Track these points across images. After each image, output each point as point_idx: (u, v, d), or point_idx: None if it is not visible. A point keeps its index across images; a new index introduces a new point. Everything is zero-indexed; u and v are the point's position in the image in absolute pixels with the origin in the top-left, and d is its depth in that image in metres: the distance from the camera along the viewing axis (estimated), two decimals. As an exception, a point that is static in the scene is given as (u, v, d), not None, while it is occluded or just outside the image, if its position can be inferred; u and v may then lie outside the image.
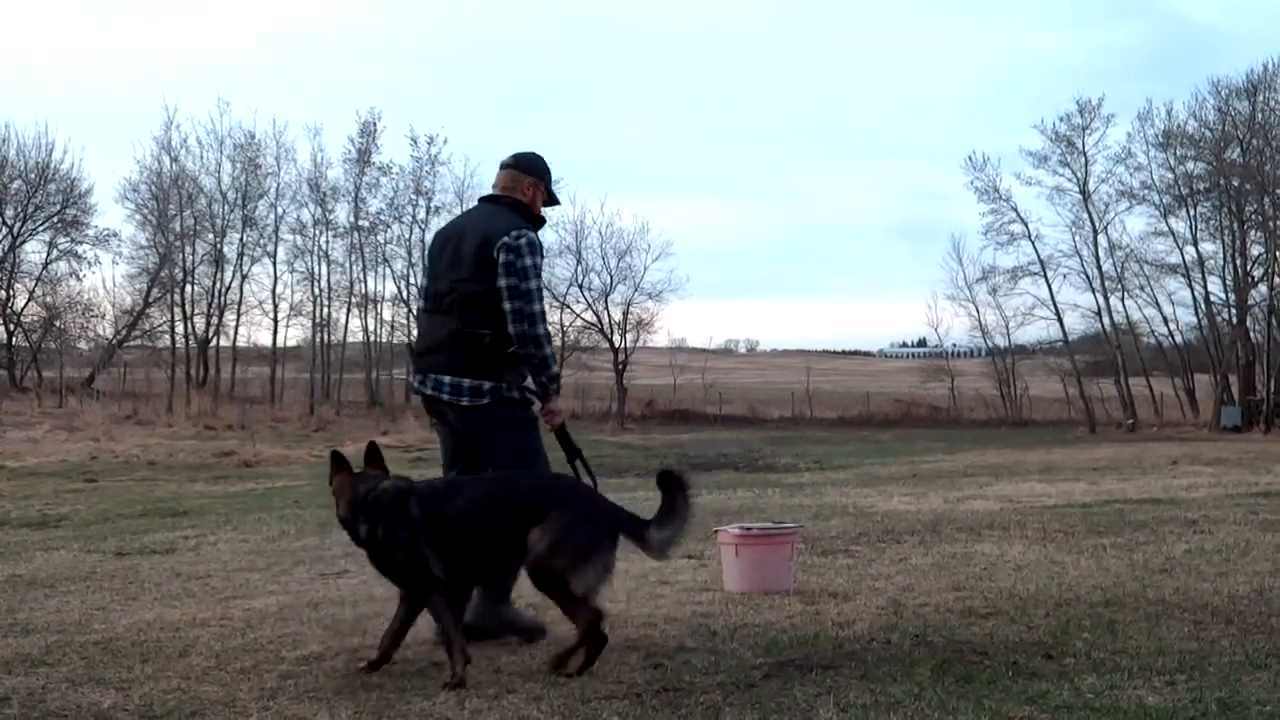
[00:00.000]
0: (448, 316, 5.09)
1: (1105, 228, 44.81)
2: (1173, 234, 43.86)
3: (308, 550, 9.01)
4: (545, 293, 5.28)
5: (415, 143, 46.49)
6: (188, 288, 45.86)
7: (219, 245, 45.87)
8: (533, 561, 4.39)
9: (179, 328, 46.03)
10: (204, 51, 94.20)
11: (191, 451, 26.27)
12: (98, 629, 5.67)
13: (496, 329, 5.01)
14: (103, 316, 47.83)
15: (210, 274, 46.12)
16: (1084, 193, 44.50)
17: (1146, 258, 44.91)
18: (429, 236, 45.87)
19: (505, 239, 5.02)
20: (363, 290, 47.74)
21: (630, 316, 47.31)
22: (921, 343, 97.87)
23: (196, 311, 46.07)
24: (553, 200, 5.48)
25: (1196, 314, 44.45)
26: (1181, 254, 43.67)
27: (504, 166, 5.44)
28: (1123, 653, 4.57)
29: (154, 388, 44.03)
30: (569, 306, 45.34)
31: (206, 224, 45.84)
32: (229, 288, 46.38)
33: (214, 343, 46.58)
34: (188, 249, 45.67)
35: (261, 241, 46.73)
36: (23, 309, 47.07)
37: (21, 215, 46.03)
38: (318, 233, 46.97)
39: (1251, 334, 42.38)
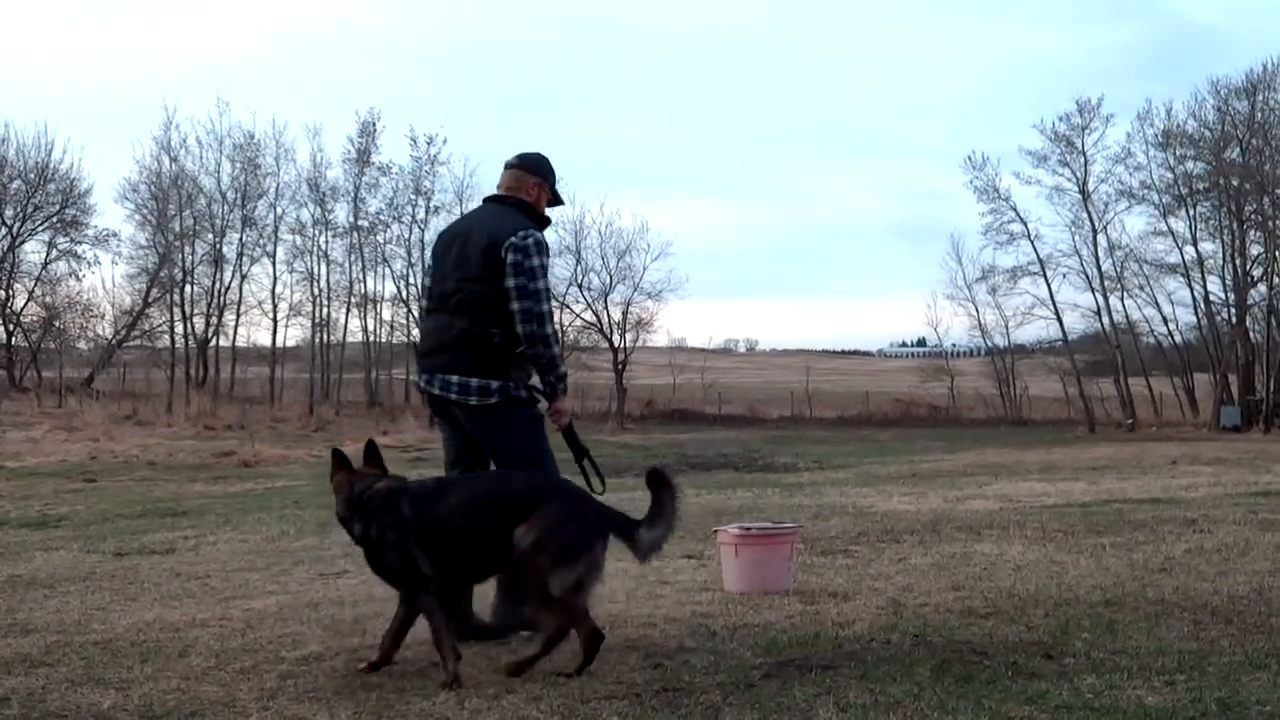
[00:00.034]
0: (455, 316, 5.09)
1: (1105, 227, 44.87)
2: (1172, 234, 43.91)
3: (307, 550, 9.01)
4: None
5: (415, 143, 46.60)
6: (187, 288, 45.91)
7: (218, 245, 45.90)
8: (517, 558, 4.38)
9: (178, 328, 46.10)
10: (204, 51, 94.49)
11: (191, 452, 26.26)
12: (97, 629, 5.67)
13: (505, 328, 5.03)
14: (102, 316, 47.90)
15: (210, 274, 46.18)
16: (1083, 192, 44.53)
17: (1146, 257, 44.99)
18: (428, 236, 46.40)
19: (513, 239, 5.04)
20: (362, 290, 47.82)
21: (630, 316, 47.35)
22: (921, 342, 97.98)
23: (196, 311, 46.12)
24: (557, 200, 5.49)
25: (1196, 314, 44.51)
26: (1181, 254, 43.75)
27: (508, 167, 5.45)
28: (1122, 652, 4.57)
29: (153, 388, 44.03)
30: (568, 306, 45.34)
31: (206, 224, 45.88)
32: (228, 288, 46.46)
33: (213, 343, 46.64)
34: (187, 249, 45.70)
35: (261, 241, 46.80)
36: (22, 309, 47.12)
37: (21, 215, 46.05)
38: (317, 233, 47.04)
39: (1251, 334, 42.40)
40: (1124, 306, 45.65)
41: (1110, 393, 45.42)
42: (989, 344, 50.98)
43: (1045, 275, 45.88)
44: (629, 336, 47.51)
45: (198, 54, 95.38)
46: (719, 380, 56.93)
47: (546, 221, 5.39)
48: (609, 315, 46.84)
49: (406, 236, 47.14)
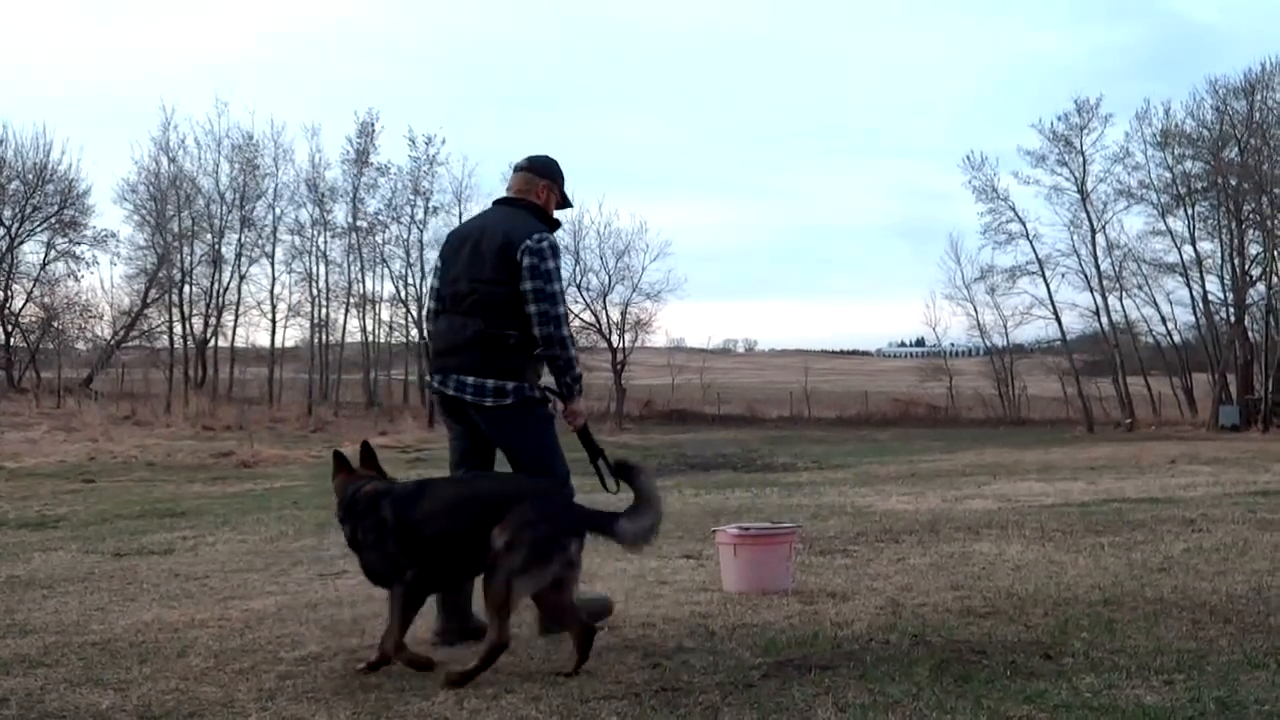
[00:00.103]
0: (469, 317, 5.10)
1: (1103, 227, 44.91)
2: (1171, 233, 43.94)
3: (306, 551, 9.01)
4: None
5: (413, 143, 46.56)
6: (186, 288, 45.89)
7: (217, 246, 45.89)
8: (490, 560, 4.38)
9: (177, 328, 46.08)
10: (203, 52, 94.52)
11: (190, 452, 26.26)
12: (96, 630, 5.67)
13: (521, 330, 5.06)
14: (101, 317, 47.92)
15: (208, 274, 46.16)
16: (1082, 192, 44.58)
17: (1144, 257, 45.03)
18: (427, 237, 46.44)
19: (528, 242, 5.06)
20: (361, 291, 47.80)
21: (628, 316, 47.38)
22: (920, 342, 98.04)
23: (194, 312, 46.10)
24: (566, 203, 5.52)
25: (1194, 313, 44.54)
26: (1179, 253, 43.78)
27: (518, 169, 5.48)
28: (1121, 652, 4.57)
29: (152, 388, 44.02)
30: (567, 306, 45.34)
31: (204, 224, 45.87)
32: (227, 288, 46.43)
33: (212, 343, 46.61)
34: (186, 249, 45.68)
35: (260, 242, 46.77)
36: (21, 310, 47.13)
37: (19, 216, 46.06)
38: (316, 233, 47.02)
39: (1249, 333, 42.43)
40: (1122, 306, 45.74)
41: (1109, 392, 45.45)
42: (988, 344, 51.02)
43: (1044, 275, 45.97)
44: (628, 337, 47.57)
45: (197, 54, 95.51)
46: (718, 380, 56.95)
47: (557, 224, 5.43)
48: (608, 315, 46.92)
49: (405, 237, 47.16)
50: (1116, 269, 45.04)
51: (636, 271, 47.21)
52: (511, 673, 4.42)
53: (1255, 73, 41.53)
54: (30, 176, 45.72)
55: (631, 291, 47.23)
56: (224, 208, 45.84)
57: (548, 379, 5.24)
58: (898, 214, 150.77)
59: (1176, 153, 43.61)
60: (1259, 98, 41.41)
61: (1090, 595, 5.88)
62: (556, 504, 4.58)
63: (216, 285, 46.12)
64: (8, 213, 45.87)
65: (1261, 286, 41.80)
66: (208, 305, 46.13)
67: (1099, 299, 44.86)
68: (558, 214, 5.48)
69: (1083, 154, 44.60)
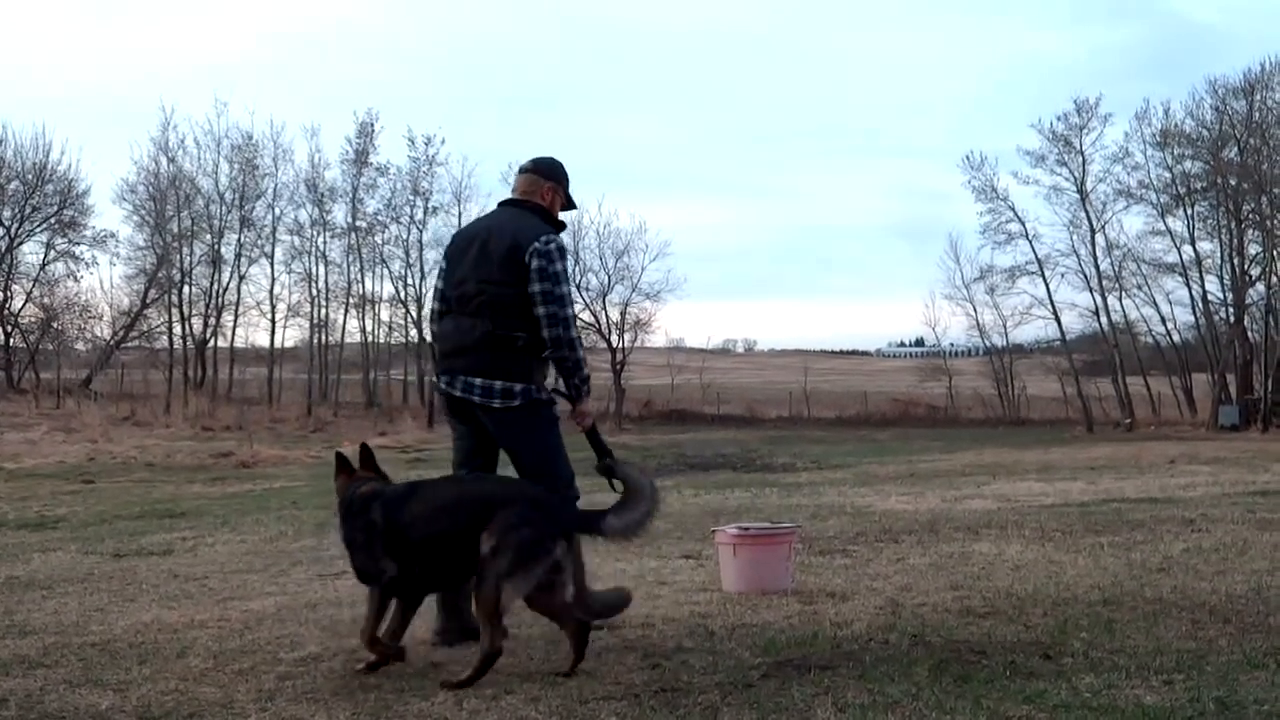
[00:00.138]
0: (477, 319, 5.12)
1: (1103, 227, 44.91)
2: (1170, 233, 43.93)
3: (305, 551, 9.01)
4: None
5: (413, 143, 46.57)
6: (185, 289, 45.90)
7: (216, 246, 45.92)
8: (479, 566, 4.38)
9: (176, 329, 46.10)
10: (202, 52, 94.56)
11: (189, 452, 26.26)
12: (95, 630, 5.67)
13: (529, 331, 5.08)
14: (100, 317, 47.96)
15: (208, 275, 46.19)
16: (1081, 192, 44.58)
17: (1144, 257, 45.03)
18: (427, 237, 46.46)
19: (536, 244, 5.08)
20: (360, 291, 47.80)
21: (628, 316, 47.41)
22: (919, 342, 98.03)
23: (194, 312, 46.11)
24: (570, 205, 5.54)
25: (1194, 313, 44.54)
26: (1179, 253, 43.78)
27: (523, 171, 5.49)
28: (1120, 652, 4.57)
29: (152, 389, 44.02)
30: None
31: (204, 225, 45.88)
32: (226, 289, 46.45)
33: (212, 344, 46.63)
34: (185, 250, 45.69)
35: (259, 242, 46.78)
36: (20, 310, 47.16)
37: (19, 216, 46.09)
38: (315, 233, 47.04)
39: (1249, 333, 42.43)
40: (1122, 306, 45.73)
41: (1108, 392, 45.45)
42: (987, 344, 51.01)
43: (1043, 275, 45.96)
44: (627, 337, 47.60)
45: (196, 54, 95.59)
46: (717, 380, 56.95)
47: (562, 226, 5.45)
48: (607, 315, 46.92)
49: (404, 237, 47.17)
50: (1116, 269, 45.09)
51: (636, 271, 47.27)
52: (511, 673, 4.42)
53: (1255, 73, 41.57)
54: (30, 177, 45.78)
55: (631, 291, 47.30)
56: (223, 208, 45.89)
57: (551, 379, 5.26)
58: (898, 214, 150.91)
59: (1176, 153, 43.63)
60: (1258, 98, 41.43)
61: (1090, 595, 5.88)
62: (542, 507, 4.56)
63: (216, 285, 46.18)
64: (7, 213, 45.94)
65: (1261, 286, 41.81)
66: (207, 305, 46.15)
67: (1098, 299, 44.90)
68: (562, 215, 5.50)
69: (1082, 154, 44.63)
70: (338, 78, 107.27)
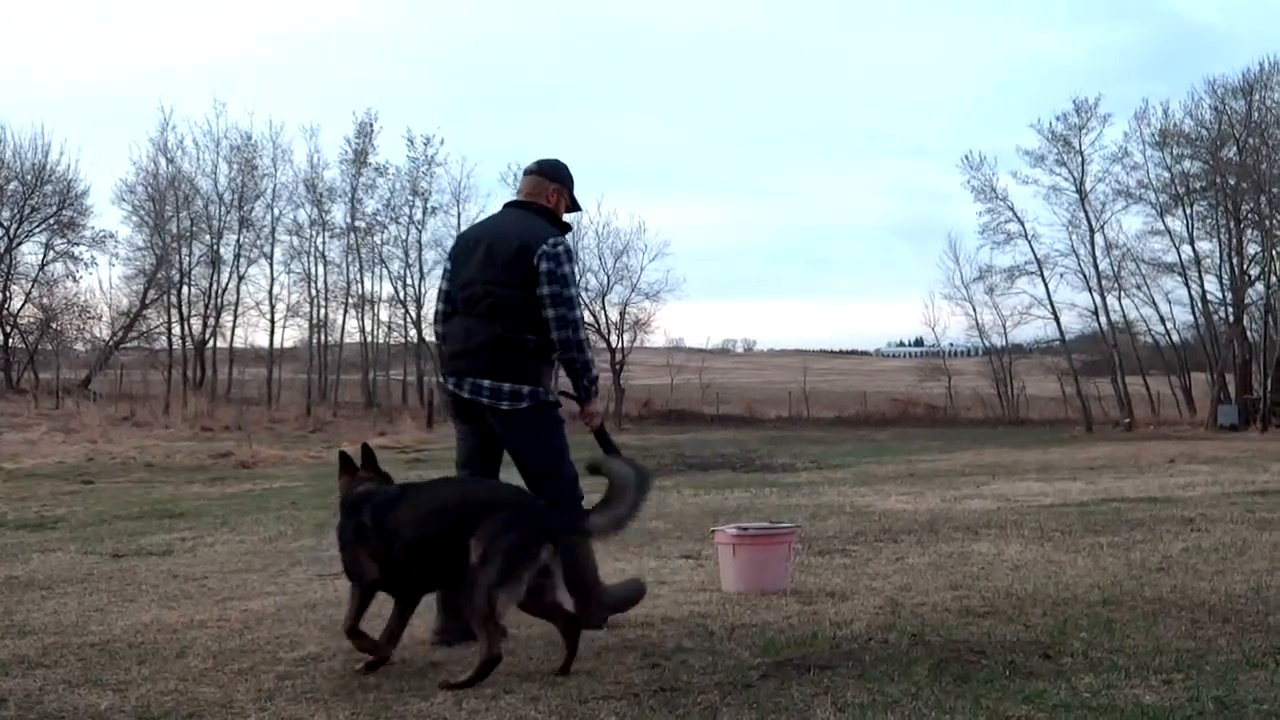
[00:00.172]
0: (484, 320, 5.15)
1: (1102, 227, 44.96)
2: (1169, 233, 43.98)
3: (305, 551, 9.01)
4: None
5: (412, 143, 46.66)
6: (184, 289, 45.94)
7: (215, 246, 45.95)
8: (469, 576, 4.38)
9: (176, 329, 46.14)
10: (202, 52, 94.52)
11: (188, 453, 26.26)
12: (95, 630, 5.67)
13: (538, 334, 5.12)
14: (99, 318, 47.97)
15: (207, 275, 46.22)
16: (1081, 192, 44.61)
17: (1143, 257, 45.09)
18: (426, 237, 46.45)
19: (544, 247, 5.11)
20: (359, 291, 47.84)
21: (627, 317, 47.43)
22: (918, 342, 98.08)
23: (193, 313, 46.14)
24: (575, 206, 5.58)
25: (1193, 313, 44.60)
26: (1178, 253, 43.83)
27: (528, 173, 5.53)
28: (1120, 652, 4.57)
29: (151, 389, 44.02)
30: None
31: (203, 225, 45.89)
32: (225, 289, 46.48)
33: (211, 344, 46.65)
34: (184, 250, 45.71)
35: (258, 243, 46.82)
36: (19, 311, 47.16)
37: (18, 216, 46.09)
38: (314, 234, 47.08)
39: (1248, 333, 42.47)
40: (1121, 306, 45.78)
41: (1107, 392, 45.48)
42: (986, 344, 51.04)
43: (1043, 275, 46.00)
44: (626, 337, 47.63)
45: (195, 55, 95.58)
46: (716, 380, 56.97)
47: (567, 228, 5.48)
48: (606, 315, 46.93)
49: (404, 237, 47.23)
50: (1115, 269, 45.13)
51: (635, 271, 47.33)
52: (510, 673, 4.42)
53: (1254, 73, 41.64)
54: (29, 177, 45.80)
55: (630, 291, 47.35)
56: (222, 208, 45.91)
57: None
58: (897, 214, 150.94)
59: (1175, 152, 43.66)
60: (1257, 97, 41.48)
61: (1089, 595, 5.88)
62: (527, 512, 4.56)
63: (215, 286, 46.21)
64: (6, 213, 45.95)
65: (1260, 286, 41.87)
66: (206, 306, 46.17)
67: (1098, 299, 44.93)
68: (566, 217, 5.52)
69: (1081, 154, 44.68)
70: (337, 78, 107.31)
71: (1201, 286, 43.55)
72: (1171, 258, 44.10)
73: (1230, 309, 42.85)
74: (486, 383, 5.13)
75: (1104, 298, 44.86)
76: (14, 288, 46.88)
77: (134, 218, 46.20)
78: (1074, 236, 45.19)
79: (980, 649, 4.66)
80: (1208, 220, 43.66)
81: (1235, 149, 42.04)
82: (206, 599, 6.68)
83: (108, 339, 47.53)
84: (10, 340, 46.71)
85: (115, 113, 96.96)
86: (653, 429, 41.10)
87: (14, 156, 45.54)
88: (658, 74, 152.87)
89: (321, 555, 8.37)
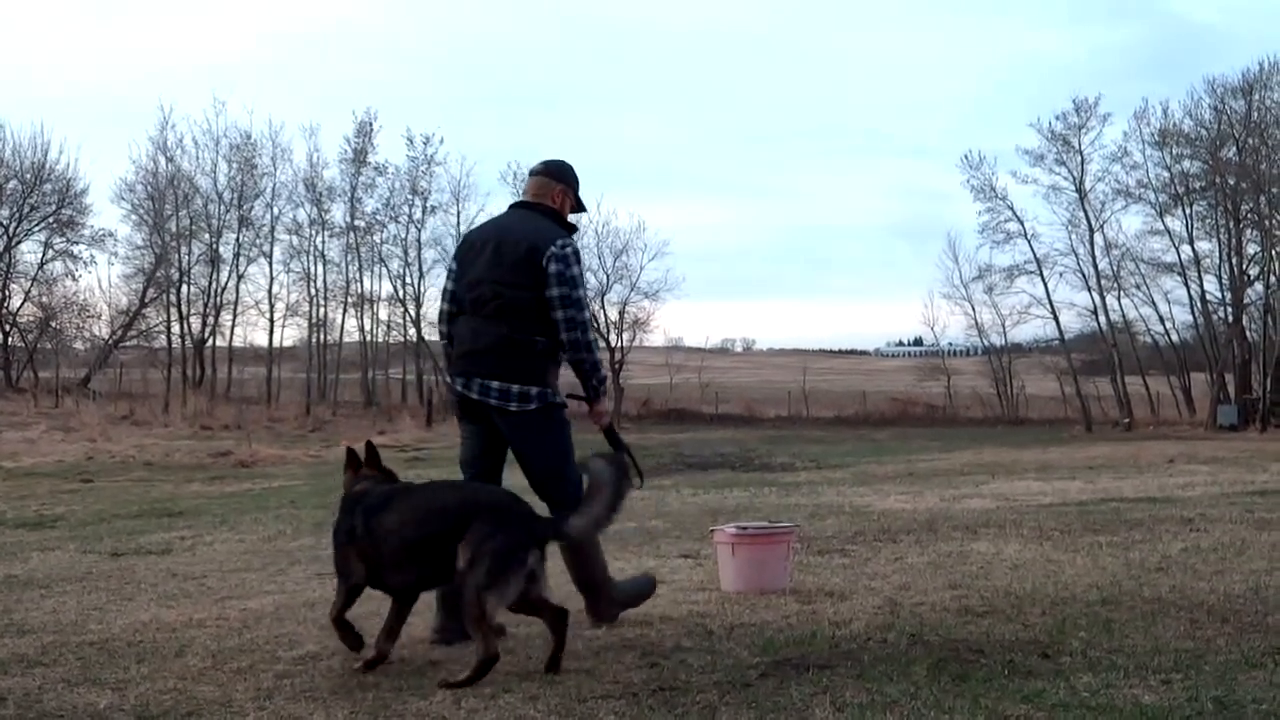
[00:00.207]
0: (492, 322, 5.17)
1: (1101, 226, 44.96)
2: (1169, 233, 43.99)
3: (304, 550, 9.01)
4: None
5: (411, 143, 46.66)
6: (184, 288, 45.95)
7: (215, 245, 45.96)
8: (458, 579, 4.40)
9: (175, 328, 46.13)
10: (201, 51, 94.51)
11: (188, 452, 26.25)
12: (94, 629, 5.67)
13: (547, 335, 5.17)
14: (99, 317, 47.97)
15: (206, 274, 46.24)
16: (1080, 191, 44.61)
17: (1142, 256, 45.10)
18: (425, 236, 46.42)
19: (553, 249, 5.14)
20: (359, 290, 47.84)
21: (626, 316, 47.43)
22: (918, 341, 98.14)
23: (192, 312, 46.15)
24: (580, 207, 5.60)
25: (1192, 313, 44.61)
26: (1177, 253, 43.84)
27: (533, 174, 5.57)
28: (1119, 651, 4.57)
29: (150, 388, 44.02)
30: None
31: (202, 224, 45.90)
32: (225, 288, 46.49)
33: (210, 343, 46.65)
34: (184, 249, 45.71)
35: (257, 242, 46.83)
36: (18, 309, 47.12)
37: (17, 215, 46.08)
38: (314, 233, 47.09)
39: (1247, 333, 42.48)
40: (1120, 305, 45.78)
41: (1107, 392, 45.49)
42: (986, 343, 51.04)
43: (1042, 274, 46.01)
44: (626, 336, 47.62)
45: (195, 54, 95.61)
46: (716, 380, 56.99)
47: (573, 229, 5.51)
48: (605, 315, 46.90)
49: (403, 236, 47.22)
50: (1114, 268, 45.14)
51: (634, 271, 47.30)
52: (509, 672, 4.42)
53: (1253, 73, 41.66)
54: (28, 176, 45.78)
55: (629, 291, 47.35)
56: (222, 207, 45.93)
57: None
58: (897, 214, 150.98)
59: (1175, 152, 43.68)
60: (1257, 97, 41.50)
61: (1088, 594, 5.88)
62: (514, 516, 4.56)
63: (214, 285, 46.22)
64: (5, 212, 45.92)
65: (1259, 286, 41.89)
66: (205, 305, 46.18)
67: (1097, 298, 44.94)
68: (571, 217, 5.54)
69: (1081, 153, 44.68)
70: (336, 77, 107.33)
71: (1201, 286, 43.61)
72: (1171, 257, 44.17)
73: (1229, 309, 42.86)
74: (495, 384, 5.16)
75: (1103, 297, 44.91)
76: (13, 286, 46.95)
77: (133, 216, 46.27)
78: (1073, 236, 45.26)
79: (979, 648, 4.66)
80: (1207, 220, 43.69)
81: (1235, 149, 42.05)
82: (205, 598, 6.68)
83: (107, 338, 47.55)
84: (9, 339, 46.69)
85: (115, 111, 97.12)
86: (652, 428, 41.06)
87: (13, 155, 45.60)
88: (658, 74, 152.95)
89: (320, 554, 8.37)
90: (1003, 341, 49.75)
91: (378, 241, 47.34)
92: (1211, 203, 43.21)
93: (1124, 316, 46.02)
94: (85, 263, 47.29)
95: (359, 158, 46.39)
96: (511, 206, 5.57)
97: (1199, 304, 43.82)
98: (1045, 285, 46.05)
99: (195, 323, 46.08)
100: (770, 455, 25.57)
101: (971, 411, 49.42)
